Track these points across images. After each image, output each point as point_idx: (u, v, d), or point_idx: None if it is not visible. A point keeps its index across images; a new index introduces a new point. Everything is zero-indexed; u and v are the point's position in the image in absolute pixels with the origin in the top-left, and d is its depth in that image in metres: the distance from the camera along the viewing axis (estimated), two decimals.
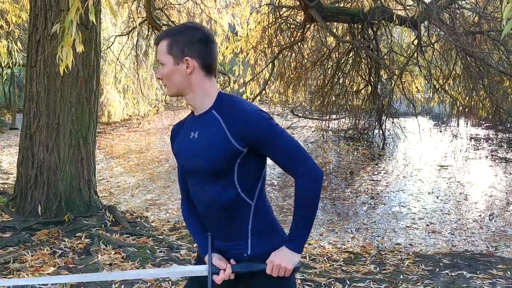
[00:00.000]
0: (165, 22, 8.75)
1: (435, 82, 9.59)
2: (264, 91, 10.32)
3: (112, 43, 10.71)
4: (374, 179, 8.45)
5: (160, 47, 1.66)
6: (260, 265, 1.65)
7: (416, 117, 10.65)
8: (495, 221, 6.10)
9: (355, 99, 11.82)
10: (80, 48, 3.36)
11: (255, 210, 1.66)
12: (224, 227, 1.68)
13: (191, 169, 1.70)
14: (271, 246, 1.66)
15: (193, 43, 1.63)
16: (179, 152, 1.75)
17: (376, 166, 9.57)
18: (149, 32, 9.18)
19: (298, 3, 8.66)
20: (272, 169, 9.27)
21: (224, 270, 1.65)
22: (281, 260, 1.61)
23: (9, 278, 3.60)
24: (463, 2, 8.96)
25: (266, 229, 1.69)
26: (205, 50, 1.65)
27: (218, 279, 1.65)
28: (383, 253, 4.64)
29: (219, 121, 1.62)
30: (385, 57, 10.07)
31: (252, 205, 1.66)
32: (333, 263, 4.23)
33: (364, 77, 11.23)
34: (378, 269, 4.08)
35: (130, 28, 9.98)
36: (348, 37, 10.06)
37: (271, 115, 1.64)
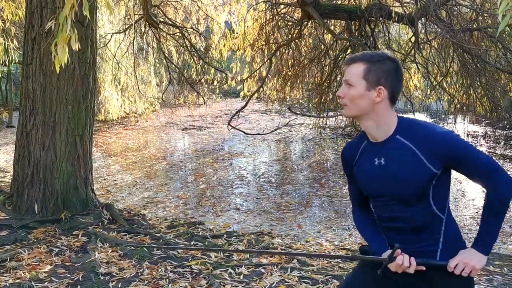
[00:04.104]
0: (162, 20, 8.73)
1: (433, 79, 9.59)
2: (261, 89, 10.30)
3: (109, 40, 10.68)
4: None
5: (356, 69, 1.67)
6: (440, 261, 1.68)
7: (414, 114, 10.64)
8: None
9: None
10: (76, 46, 3.34)
11: (446, 223, 1.71)
12: (414, 240, 1.71)
13: (380, 193, 1.73)
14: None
15: (390, 74, 1.66)
16: (364, 177, 1.77)
17: None
18: (146, 30, 9.15)
19: (295, 0, 8.64)
20: (269, 166, 9.26)
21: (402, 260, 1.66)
22: (470, 259, 1.65)
23: (5, 276, 3.59)
24: None
25: (455, 241, 1.73)
26: (397, 83, 1.68)
27: (398, 262, 1.66)
28: None
29: (409, 147, 1.64)
30: None
31: (444, 219, 1.70)
32: (330, 260, 4.23)
33: None
34: None
35: (127, 26, 9.95)
36: (345, 34, 10.04)
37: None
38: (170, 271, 3.78)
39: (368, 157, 1.73)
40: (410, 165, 1.63)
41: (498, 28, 7.58)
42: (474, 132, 13.12)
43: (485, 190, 1.66)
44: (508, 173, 1.65)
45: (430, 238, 1.70)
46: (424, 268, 1.68)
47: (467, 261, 1.64)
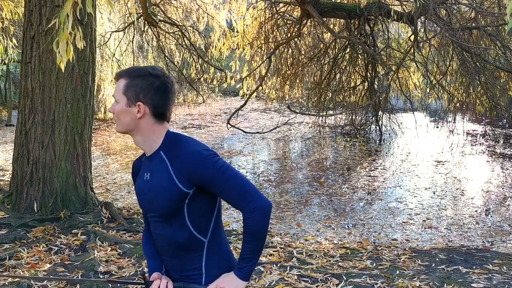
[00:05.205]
0: (161, 18, 8.72)
1: (432, 78, 9.60)
2: (260, 87, 10.30)
3: (108, 39, 10.67)
4: (371, 174, 8.46)
5: (118, 84, 1.67)
6: (199, 286, 1.68)
7: (413, 113, 10.65)
8: (491, 216, 6.12)
9: (352, 95, 11.82)
10: (81, 44, 3.34)
11: (209, 247, 1.69)
12: (179, 262, 1.72)
13: (146, 209, 1.75)
14: None
15: (150, 90, 1.63)
16: (137, 192, 1.78)
17: (373, 162, 9.58)
18: (145, 28, 9.15)
19: None
20: (269, 165, 9.27)
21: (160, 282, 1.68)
22: (226, 284, 1.63)
23: (5, 275, 3.59)
24: None
25: (222, 265, 1.71)
26: (160, 99, 1.65)
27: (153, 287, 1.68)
28: (380, 248, 4.64)
29: (166, 163, 1.63)
30: (382, 53, 10.06)
31: (205, 242, 1.69)
32: (329, 258, 4.23)
33: (361, 73, 11.22)
34: (374, 264, 4.08)
35: (126, 24, 9.94)
36: (344, 33, 10.04)
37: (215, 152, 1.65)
38: None
39: (142, 172, 1.74)
40: (163, 182, 1.62)
41: (498, 27, 7.57)
42: (474, 131, 13.13)
43: (242, 216, 1.64)
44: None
45: (193, 261, 1.69)
46: None
47: (223, 285, 1.63)
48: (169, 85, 1.67)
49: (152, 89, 1.63)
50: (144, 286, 1.73)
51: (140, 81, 1.64)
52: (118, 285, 3.10)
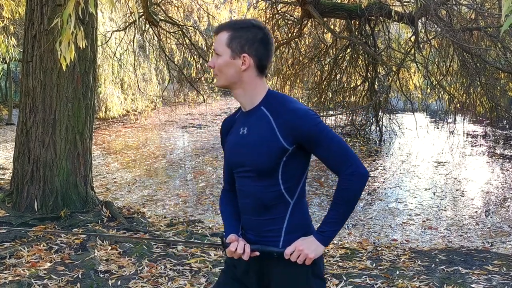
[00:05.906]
0: (162, 18, 8.72)
1: (432, 79, 9.60)
2: None
3: (109, 38, 10.68)
4: (371, 175, 8.47)
5: (220, 37, 1.65)
6: (277, 249, 1.66)
7: (414, 114, 10.66)
8: (491, 217, 6.13)
9: (352, 96, 11.83)
10: (82, 44, 3.35)
11: (293, 209, 1.68)
12: (260, 221, 1.69)
13: (238, 164, 1.71)
14: None
15: (254, 42, 1.63)
16: (229, 147, 1.76)
17: (373, 162, 9.59)
18: (146, 28, 9.16)
19: None
20: None
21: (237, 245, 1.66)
22: (305, 246, 1.62)
23: (5, 273, 3.60)
24: None
25: (300, 229, 1.69)
26: (264, 51, 1.65)
27: (231, 249, 1.66)
28: (380, 249, 4.65)
29: (268, 118, 1.63)
30: (382, 53, 10.07)
31: (291, 203, 1.67)
32: (329, 259, 4.24)
33: (361, 73, 11.23)
34: (374, 264, 4.09)
35: (127, 23, 9.95)
36: (345, 33, 10.04)
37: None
38: (170, 269, 3.78)
39: (237, 127, 1.73)
40: (264, 136, 1.61)
41: (499, 28, 7.58)
42: (474, 131, 13.14)
43: (337, 178, 1.63)
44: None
45: (275, 221, 1.67)
46: (258, 254, 1.66)
47: (302, 248, 1.61)
48: (270, 37, 1.67)
49: (256, 41, 1.63)
50: (221, 247, 1.72)
51: (244, 33, 1.63)
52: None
